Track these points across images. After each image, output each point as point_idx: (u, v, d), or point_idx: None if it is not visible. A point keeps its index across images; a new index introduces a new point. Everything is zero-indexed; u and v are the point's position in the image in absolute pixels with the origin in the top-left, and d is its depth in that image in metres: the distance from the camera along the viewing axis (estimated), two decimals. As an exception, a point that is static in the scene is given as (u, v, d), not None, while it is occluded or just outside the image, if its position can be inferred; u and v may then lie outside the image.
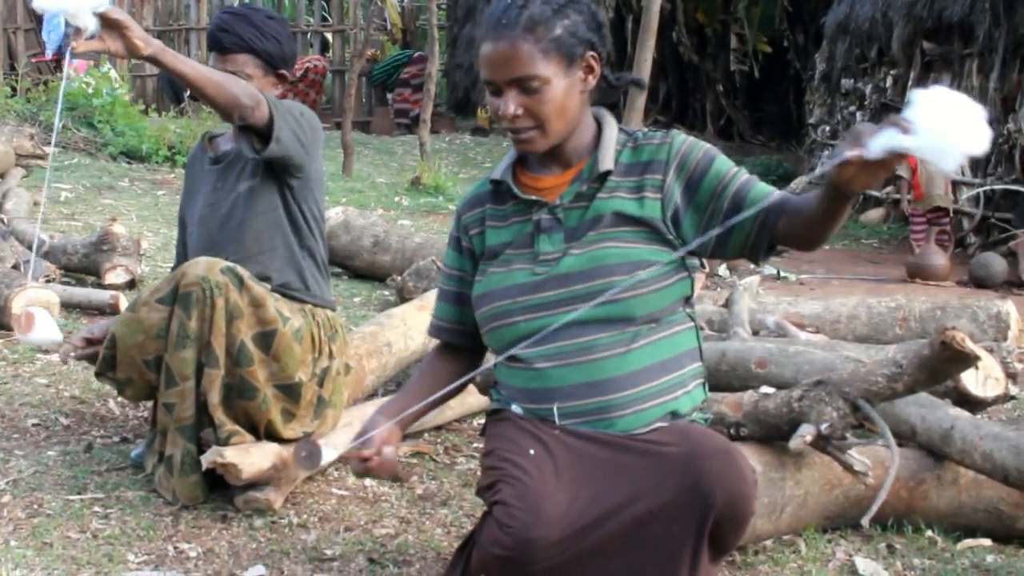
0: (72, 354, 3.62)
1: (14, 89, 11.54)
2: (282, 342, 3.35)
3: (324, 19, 18.76)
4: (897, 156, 2.14)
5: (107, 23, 2.91)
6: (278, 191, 3.54)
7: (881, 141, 2.12)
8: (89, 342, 3.59)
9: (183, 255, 3.74)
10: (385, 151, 13.69)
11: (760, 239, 2.55)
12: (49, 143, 9.48)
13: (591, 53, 2.60)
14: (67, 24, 2.93)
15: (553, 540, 2.39)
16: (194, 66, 3.18)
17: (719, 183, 2.57)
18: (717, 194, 2.57)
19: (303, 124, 3.46)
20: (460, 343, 2.83)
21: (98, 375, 3.49)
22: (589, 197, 2.63)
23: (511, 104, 2.53)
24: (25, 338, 3.41)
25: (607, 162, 2.62)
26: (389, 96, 16.92)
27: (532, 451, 2.52)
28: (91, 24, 2.89)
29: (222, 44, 3.57)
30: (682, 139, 2.64)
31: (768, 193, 2.53)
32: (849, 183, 2.24)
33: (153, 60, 3.05)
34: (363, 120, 16.26)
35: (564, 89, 2.56)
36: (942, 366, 3.09)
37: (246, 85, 3.31)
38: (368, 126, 16.18)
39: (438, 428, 4.20)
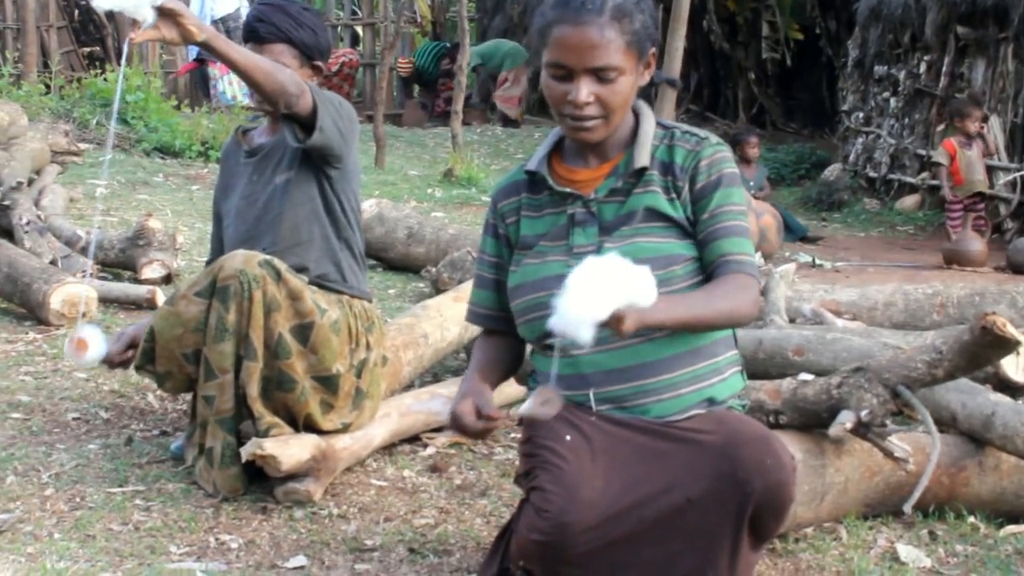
0: (116, 359, 3.63)
1: (48, 86, 11.60)
2: (320, 334, 3.36)
3: (354, 13, 18.75)
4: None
5: (163, 12, 2.96)
6: (316, 182, 3.55)
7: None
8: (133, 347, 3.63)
9: (218, 249, 3.75)
10: (417, 143, 13.69)
11: None
12: (83, 140, 9.55)
13: (653, 50, 2.61)
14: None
15: (589, 524, 2.39)
16: (243, 52, 3.23)
17: (708, 213, 2.60)
18: (703, 221, 2.60)
19: (343, 114, 3.47)
20: (502, 328, 2.82)
21: (137, 368, 3.51)
22: (625, 192, 2.63)
23: (584, 90, 2.51)
24: (80, 360, 3.50)
25: (643, 158, 2.62)
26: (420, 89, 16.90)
27: (568, 437, 2.53)
28: (150, 17, 2.94)
29: (259, 34, 3.59)
30: (708, 152, 2.63)
31: (723, 254, 2.57)
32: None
33: (206, 46, 3.09)
34: (394, 113, 16.26)
35: (631, 82, 2.57)
36: (982, 351, 3.07)
37: (292, 73, 3.33)
38: (399, 119, 16.18)
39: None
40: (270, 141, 3.66)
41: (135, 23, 2.97)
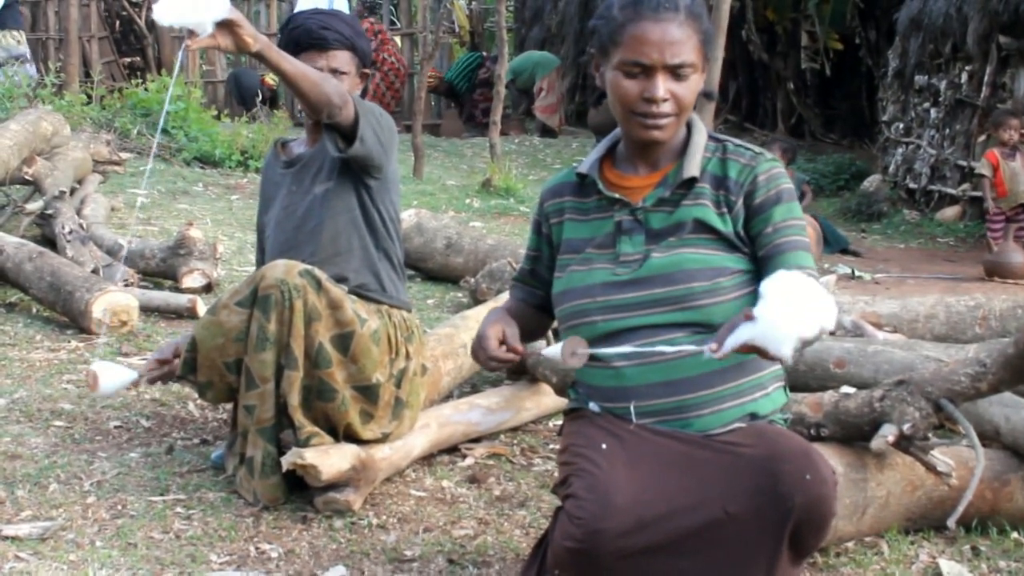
0: (146, 377, 3.65)
1: (89, 96, 11.70)
2: (360, 343, 3.37)
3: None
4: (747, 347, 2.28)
5: (221, 22, 3.00)
6: (355, 193, 3.57)
7: (732, 339, 2.28)
8: (160, 363, 3.64)
9: (262, 263, 3.77)
10: (455, 153, 13.72)
11: None
12: (124, 149, 9.61)
13: (708, 56, 2.63)
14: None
15: (623, 531, 2.38)
16: (294, 63, 3.27)
17: (771, 227, 2.59)
18: (765, 235, 2.58)
19: (383, 125, 3.50)
20: (534, 302, 2.90)
21: (179, 378, 3.53)
22: (674, 203, 2.63)
23: (662, 87, 2.54)
24: (98, 393, 3.57)
25: (692, 169, 2.62)
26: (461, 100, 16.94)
27: (604, 445, 2.53)
28: (209, 27, 2.98)
29: (327, 41, 3.61)
30: (764, 168, 2.63)
31: (790, 268, 2.51)
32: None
33: (259, 55, 3.15)
34: (432, 123, 16.31)
35: (698, 82, 2.60)
36: (1027, 365, 3.04)
37: (337, 84, 3.38)
38: (437, 129, 16.22)
39: (514, 430, 4.20)
40: (309, 152, 3.68)
41: (191, 32, 3.01)
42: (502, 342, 2.60)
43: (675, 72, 2.54)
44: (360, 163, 3.50)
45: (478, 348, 2.63)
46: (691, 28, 2.54)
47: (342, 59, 3.62)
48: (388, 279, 3.64)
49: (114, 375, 3.53)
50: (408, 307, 3.69)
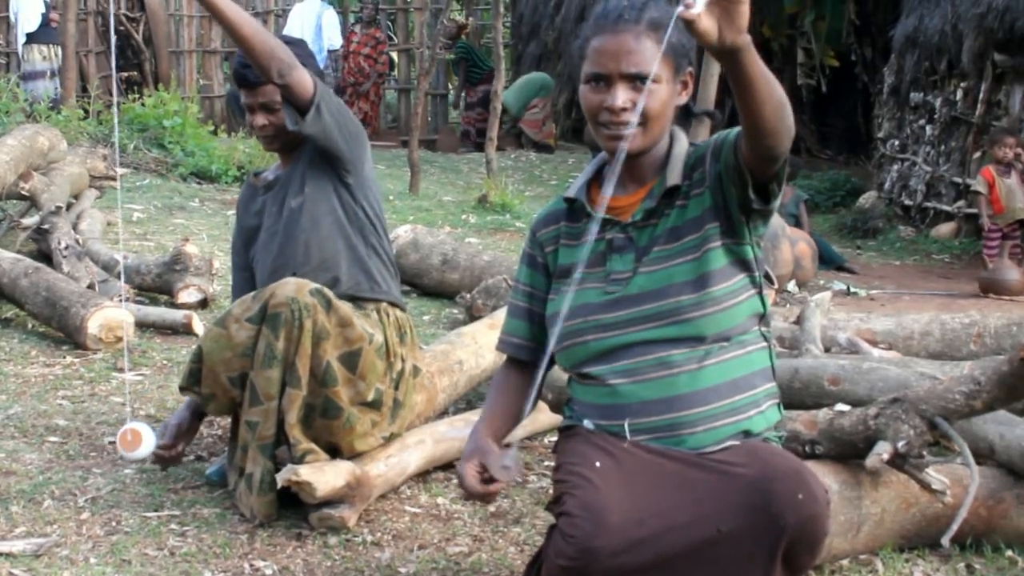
0: (151, 459, 3.62)
1: (86, 111, 11.71)
2: (367, 359, 3.39)
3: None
4: None
5: None
6: (334, 194, 3.59)
7: None
8: (166, 448, 3.59)
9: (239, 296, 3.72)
10: (451, 169, 13.73)
11: (740, 171, 2.48)
12: (121, 164, 9.62)
13: (690, 69, 2.63)
14: None
15: (616, 549, 2.38)
16: (236, 9, 3.25)
17: (723, 141, 2.55)
18: (722, 148, 2.53)
19: (344, 114, 3.53)
20: (528, 359, 2.82)
21: (182, 389, 3.53)
22: (659, 214, 2.63)
23: (620, 97, 2.54)
24: (131, 455, 3.50)
25: (674, 177, 2.62)
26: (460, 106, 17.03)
27: (598, 463, 2.52)
28: None
29: (248, 80, 3.59)
30: (716, 134, 2.63)
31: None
32: (717, 38, 2.19)
33: None
34: (429, 139, 16.32)
35: (669, 93, 2.58)
36: (1021, 383, 3.04)
37: (284, 46, 3.36)
38: (433, 144, 16.24)
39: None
40: (284, 172, 3.71)
41: None
42: (480, 472, 2.61)
43: (634, 82, 2.54)
44: (323, 147, 3.51)
45: (464, 489, 2.66)
46: (651, 40, 2.53)
47: (270, 92, 3.55)
48: (380, 275, 3.65)
49: (148, 442, 3.49)
50: (402, 305, 3.70)
